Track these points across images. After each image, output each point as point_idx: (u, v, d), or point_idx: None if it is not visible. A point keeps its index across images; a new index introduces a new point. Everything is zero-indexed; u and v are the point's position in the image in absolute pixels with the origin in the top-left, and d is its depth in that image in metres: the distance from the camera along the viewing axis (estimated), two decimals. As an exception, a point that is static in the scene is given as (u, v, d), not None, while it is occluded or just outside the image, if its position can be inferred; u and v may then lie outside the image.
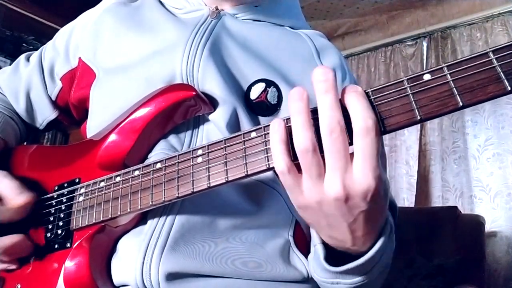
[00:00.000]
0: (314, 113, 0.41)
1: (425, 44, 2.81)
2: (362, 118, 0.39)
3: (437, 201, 2.50)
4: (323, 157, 0.41)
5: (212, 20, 0.70)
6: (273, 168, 0.45)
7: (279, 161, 0.41)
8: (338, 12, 2.87)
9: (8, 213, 0.59)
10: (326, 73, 0.40)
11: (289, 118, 0.44)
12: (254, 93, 0.64)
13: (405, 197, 2.61)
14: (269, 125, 0.46)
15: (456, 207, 1.78)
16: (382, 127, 0.41)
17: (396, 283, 1.55)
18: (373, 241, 0.47)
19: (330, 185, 0.40)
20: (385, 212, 0.46)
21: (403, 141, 2.70)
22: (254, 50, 0.68)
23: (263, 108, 0.64)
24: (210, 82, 0.62)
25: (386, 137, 2.73)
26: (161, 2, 0.77)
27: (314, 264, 0.54)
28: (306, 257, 0.62)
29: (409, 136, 2.69)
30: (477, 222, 1.68)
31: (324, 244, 0.51)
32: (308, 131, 0.40)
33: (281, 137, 0.42)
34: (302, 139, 0.40)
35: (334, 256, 0.50)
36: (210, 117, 0.62)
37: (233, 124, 0.61)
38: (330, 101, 0.39)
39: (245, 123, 0.61)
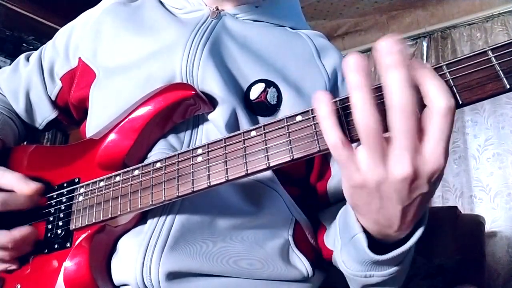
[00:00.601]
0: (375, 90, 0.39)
1: (425, 44, 2.81)
2: (445, 97, 0.36)
3: (437, 201, 2.50)
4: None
5: (212, 20, 0.70)
6: (273, 167, 0.45)
7: (331, 134, 0.39)
8: (338, 12, 2.87)
9: (21, 200, 0.60)
10: (396, 45, 0.36)
11: (296, 115, 0.43)
12: (254, 93, 0.64)
13: (405, 197, 2.61)
14: (268, 124, 0.46)
15: (456, 207, 1.77)
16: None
17: (396, 283, 1.55)
18: (413, 226, 0.45)
19: (397, 165, 0.37)
20: (432, 196, 0.44)
21: (403, 141, 2.70)
22: (254, 51, 0.68)
23: (262, 108, 0.64)
24: (209, 82, 0.62)
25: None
26: (161, 2, 0.77)
27: (347, 256, 0.52)
28: (307, 257, 0.62)
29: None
30: (477, 222, 1.68)
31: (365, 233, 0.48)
32: (371, 109, 0.36)
33: (330, 110, 0.39)
34: (365, 118, 0.36)
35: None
36: (209, 116, 0.62)
37: (232, 124, 0.61)
38: (402, 77, 0.35)
39: (244, 123, 0.61)
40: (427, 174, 0.38)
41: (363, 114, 0.36)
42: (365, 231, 0.47)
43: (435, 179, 0.38)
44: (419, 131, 0.37)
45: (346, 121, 0.41)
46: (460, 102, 0.38)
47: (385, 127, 0.37)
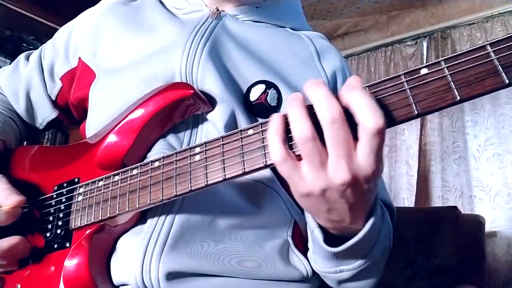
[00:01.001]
0: (310, 108, 0.42)
1: (425, 44, 2.80)
2: (372, 118, 0.38)
3: (437, 201, 2.50)
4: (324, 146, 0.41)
5: (212, 21, 0.70)
6: (270, 165, 0.45)
7: (275, 150, 0.42)
8: (338, 12, 2.87)
9: (1, 217, 0.59)
10: (317, 81, 0.41)
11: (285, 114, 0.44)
12: (254, 95, 0.64)
13: (405, 197, 2.61)
14: (266, 122, 0.46)
15: (456, 207, 1.77)
16: None
17: (396, 283, 1.55)
18: (366, 218, 0.48)
19: (336, 172, 0.40)
20: (376, 188, 0.47)
21: (403, 141, 2.70)
22: (254, 52, 0.68)
23: (262, 110, 0.64)
24: (209, 82, 0.62)
25: (386, 137, 2.71)
26: (161, 2, 0.77)
27: (315, 255, 0.54)
28: (306, 257, 0.62)
29: (409, 136, 2.68)
30: (477, 222, 1.68)
31: (322, 229, 0.51)
32: (306, 120, 0.40)
33: (277, 127, 0.42)
34: (301, 128, 0.40)
35: (332, 242, 0.51)
36: (209, 116, 0.62)
37: (231, 125, 0.61)
38: (325, 93, 0.40)
39: (243, 124, 0.61)
40: (364, 177, 0.41)
41: (298, 125, 0.40)
42: (321, 227, 0.51)
43: (373, 179, 0.41)
44: (352, 141, 0.40)
45: (291, 137, 0.43)
46: (459, 98, 0.38)
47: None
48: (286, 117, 0.43)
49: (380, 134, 0.38)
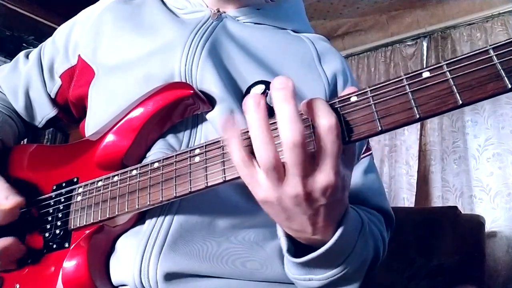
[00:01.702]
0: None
1: (425, 44, 2.80)
2: (324, 118, 0.39)
3: (437, 201, 2.50)
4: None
5: (213, 22, 0.70)
6: None
7: (235, 154, 0.42)
8: (338, 12, 2.87)
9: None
10: (286, 82, 0.40)
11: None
12: None
13: (405, 197, 2.61)
14: None
15: (456, 207, 1.77)
16: (381, 126, 0.40)
17: (396, 283, 1.55)
18: (335, 230, 0.47)
19: (289, 187, 0.41)
20: (344, 203, 0.47)
21: (403, 141, 2.69)
22: (254, 53, 0.68)
23: None
24: (208, 82, 0.62)
25: (386, 137, 2.73)
26: (162, 1, 0.77)
27: (286, 261, 0.54)
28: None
29: (409, 136, 2.69)
30: (477, 222, 1.67)
31: (290, 238, 0.51)
32: (267, 140, 0.40)
33: (236, 132, 0.42)
34: (263, 148, 0.40)
35: (303, 250, 0.50)
36: (208, 116, 0.61)
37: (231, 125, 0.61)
38: (290, 112, 0.39)
39: (243, 125, 0.61)
40: (319, 190, 0.41)
41: (260, 147, 0.40)
42: (288, 235, 0.50)
43: (330, 192, 0.41)
44: (309, 160, 0.39)
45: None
46: (461, 102, 0.38)
47: None
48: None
49: (331, 132, 0.38)
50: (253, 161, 0.42)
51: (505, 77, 0.37)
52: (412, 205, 2.54)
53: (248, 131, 0.42)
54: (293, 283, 0.60)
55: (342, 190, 0.43)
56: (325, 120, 0.39)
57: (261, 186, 0.42)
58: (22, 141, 0.84)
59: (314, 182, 0.40)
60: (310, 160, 0.40)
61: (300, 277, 0.52)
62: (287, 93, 0.39)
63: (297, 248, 0.51)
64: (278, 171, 0.40)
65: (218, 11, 0.72)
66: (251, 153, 0.42)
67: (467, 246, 1.59)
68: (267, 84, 0.64)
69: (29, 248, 0.61)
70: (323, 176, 0.40)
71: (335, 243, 0.47)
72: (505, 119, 2.36)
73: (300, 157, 0.39)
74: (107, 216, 0.55)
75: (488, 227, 2.19)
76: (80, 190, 0.60)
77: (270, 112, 0.63)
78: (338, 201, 0.44)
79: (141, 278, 0.53)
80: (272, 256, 0.60)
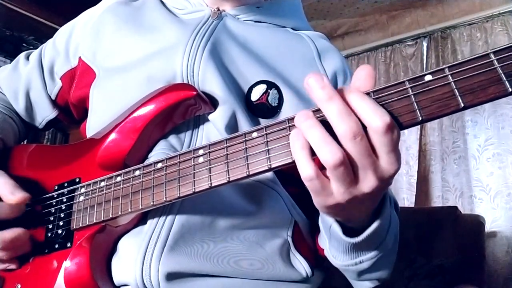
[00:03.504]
0: (317, 112, 0.41)
1: (425, 44, 2.80)
2: (377, 117, 0.38)
3: (437, 201, 2.50)
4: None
5: (213, 21, 0.70)
6: (274, 168, 0.45)
7: (306, 167, 0.41)
8: (338, 12, 2.87)
9: (6, 211, 0.59)
10: (320, 80, 0.40)
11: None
12: (255, 95, 0.64)
13: (405, 197, 2.61)
14: (270, 126, 0.46)
15: (456, 207, 1.77)
16: None
17: (396, 283, 1.55)
18: (378, 207, 0.49)
19: (365, 184, 0.41)
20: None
21: (403, 141, 2.70)
22: (255, 52, 0.68)
23: (263, 110, 0.64)
24: (210, 83, 0.62)
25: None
26: (162, 2, 0.77)
27: (333, 250, 0.55)
28: (306, 258, 0.62)
29: (409, 136, 2.69)
30: (477, 222, 1.68)
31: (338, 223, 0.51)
32: (332, 144, 0.39)
33: (303, 143, 0.41)
34: (331, 153, 0.39)
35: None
36: (210, 117, 0.62)
37: (232, 126, 0.61)
38: (339, 108, 0.39)
39: (244, 125, 0.61)
40: (387, 178, 0.41)
41: (327, 151, 0.39)
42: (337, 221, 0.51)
43: (393, 177, 0.42)
44: (371, 148, 0.40)
45: None
46: (462, 105, 0.38)
47: None
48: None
49: (390, 131, 0.38)
50: (321, 172, 0.41)
51: (506, 81, 0.37)
52: (412, 205, 2.54)
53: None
54: (293, 281, 0.61)
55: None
56: (377, 122, 0.38)
57: (331, 195, 0.42)
58: (22, 142, 0.84)
59: (382, 172, 0.41)
60: (369, 147, 0.40)
61: (350, 262, 0.53)
62: (330, 90, 0.39)
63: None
64: (350, 174, 0.40)
65: (218, 9, 0.72)
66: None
67: (467, 246, 1.59)
68: (268, 83, 0.64)
69: (34, 242, 0.61)
70: (392, 167, 0.40)
71: (384, 217, 0.49)
72: (505, 119, 2.37)
73: (362, 146, 0.39)
74: (110, 216, 0.55)
75: (488, 227, 2.19)
76: (83, 190, 0.60)
77: (272, 112, 0.64)
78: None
79: (142, 278, 0.53)
80: (272, 255, 0.60)
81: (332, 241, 0.54)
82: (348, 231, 0.51)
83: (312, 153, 0.41)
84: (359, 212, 0.47)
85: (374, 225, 0.49)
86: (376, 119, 0.38)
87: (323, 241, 0.60)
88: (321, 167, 0.41)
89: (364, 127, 0.39)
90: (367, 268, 0.54)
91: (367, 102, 0.39)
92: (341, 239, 0.51)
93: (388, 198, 0.51)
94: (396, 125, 0.40)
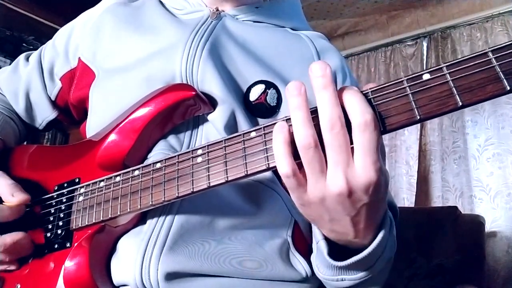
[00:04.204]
0: (313, 112, 0.41)
1: (425, 44, 2.80)
2: (360, 113, 0.39)
3: (437, 201, 2.50)
4: (325, 154, 0.41)
5: (212, 21, 0.70)
6: (272, 168, 0.45)
7: (283, 163, 0.41)
8: (338, 12, 2.87)
9: (6, 212, 0.59)
10: (323, 68, 0.40)
11: (290, 118, 0.43)
12: (254, 95, 0.64)
13: (405, 197, 2.61)
14: (269, 125, 0.46)
15: (456, 207, 1.77)
16: (382, 127, 0.41)
17: (396, 283, 1.55)
18: (374, 233, 0.48)
19: (332, 181, 0.40)
20: (385, 203, 0.47)
21: (403, 141, 2.70)
22: (254, 52, 0.68)
23: (262, 110, 0.64)
24: (209, 83, 0.62)
25: (386, 137, 2.73)
26: (161, 3, 0.77)
27: (318, 262, 0.54)
28: (305, 258, 0.62)
29: (409, 136, 2.69)
30: (477, 222, 1.68)
31: (327, 240, 0.51)
32: (308, 127, 0.40)
33: (284, 138, 0.41)
34: (303, 135, 0.40)
35: (337, 251, 0.51)
36: (209, 117, 0.62)
37: (231, 126, 0.61)
38: (329, 97, 0.39)
39: (243, 125, 0.61)
40: (361, 187, 0.40)
41: (301, 132, 0.40)
42: (326, 238, 0.50)
43: (372, 190, 0.40)
44: (351, 148, 0.39)
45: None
46: (461, 104, 0.38)
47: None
48: (289, 122, 0.43)
49: (368, 130, 0.38)
50: (298, 168, 0.41)
51: (504, 79, 0.37)
52: (412, 205, 2.54)
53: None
54: (292, 281, 0.61)
55: (385, 187, 0.42)
56: (358, 117, 0.39)
57: (306, 190, 0.42)
58: (23, 142, 0.84)
59: (355, 178, 0.40)
60: (349, 146, 0.39)
61: (332, 278, 0.52)
62: (327, 80, 0.40)
63: (330, 248, 0.51)
64: (320, 160, 0.40)
65: (217, 10, 0.72)
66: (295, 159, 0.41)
67: (467, 246, 1.59)
68: (266, 83, 0.64)
69: (32, 250, 0.61)
70: (365, 173, 0.39)
71: (376, 247, 0.47)
72: (505, 119, 2.37)
73: (341, 139, 0.39)
74: (109, 216, 0.55)
75: (488, 227, 2.19)
76: (82, 190, 0.60)
77: (271, 112, 0.64)
78: (380, 200, 0.44)
79: (142, 278, 0.53)
80: (272, 255, 0.60)
81: (317, 253, 0.54)
82: (337, 247, 0.50)
83: (295, 153, 0.41)
84: (341, 228, 0.45)
85: (362, 254, 0.47)
86: (357, 114, 0.39)
87: (313, 248, 0.60)
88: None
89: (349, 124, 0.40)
90: (348, 286, 0.53)
91: (356, 97, 0.39)
92: (324, 257, 0.50)
93: (388, 223, 0.49)
94: (378, 127, 0.39)
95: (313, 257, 0.57)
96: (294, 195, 0.44)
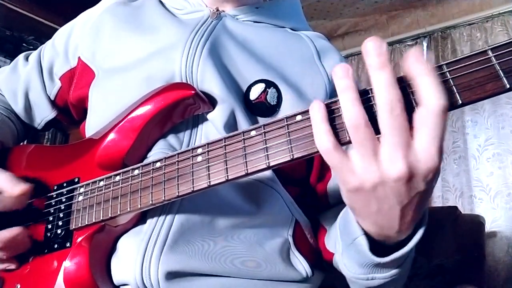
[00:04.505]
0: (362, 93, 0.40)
1: (425, 44, 2.80)
2: (439, 96, 0.36)
3: (437, 201, 2.50)
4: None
5: (212, 21, 0.70)
6: (273, 166, 0.45)
7: (323, 139, 0.39)
8: (338, 12, 2.87)
9: (8, 201, 0.59)
10: (379, 47, 0.38)
11: (296, 115, 0.43)
12: (254, 94, 0.64)
13: (405, 197, 2.61)
14: (268, 124, 0.46)
15: (456, 207, 1.77)
16: None
17: (396, 283, 1.55)
18: (413, 228, 0.45)
19: (391, 164, 0.37)
20: (430, 195, 0.43)
21: (403, 141, 2.70)
22: (254, 51, 0.68)
23: (262, 109, 0.64)
24: (209, 82, 0.62)
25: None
26: (161, 2, 0.77)
27: (348, 260, 0.52)
28: (306, 257, 0.62)
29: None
30: (477, 222, 1.68)
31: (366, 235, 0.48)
32: (358, 105, 0.38)
33: (322, 115, 0.40)
34: (353, 114, 0.38)
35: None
36: (209, 116, 0.62)
37: (231, 125, 0.61)
38: (388, 78, 0.37)
39: (243, 124, 0.61)
40: (422, 172, 0.37)
41: (351, 112, 0.38)
42: (365, 233, 0.47)
43: (431, 177, 0.38)
44: (410, 129, 0.37)
45: (334, 125, 0.41)
46: (460, 102, 0.38)
47: (377, 131, 0.38)
48: (328, 105, 0.42)
49: (445, 114, 0.36)
50: (343, 148, 0.40)
51: (504, 77, 0.37)
52: (412, 205, 2.54)
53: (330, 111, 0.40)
54: (293, 281, 0.61)
55: (438, 176, 0.39)
56: (437, 101, 0.36)
57: (354, 171, 0.39)
58: (21, 143, 0.84)
59: (418, 162, 0.37)
60: (410, 131, 0.37)
61: (362, 276, 0.51)
62: (385, 60, 0.38)
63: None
64: (373, 141, 0.38)
65: (217, 10, 0.72)
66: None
67: (467, 246, 1.59)
68: (267, 82, 0.64)
69: (32, 241, 0.61)
70: (430, 157, 0.37)
71: (414, 241, 0.45)
72: (505, 119, 2.37)
73: (402, 122, 0.37)
74: (109, 215, 0.55)
75: (488, 227, 2.19)
76: (82, 190, 0.60)
77: (271, 111, 0.64)
78: (431, 191, 0.41)
79: (142, 278, 0.53)
80: (272, 254, 0.60)
81: (350, 251, 0.51)
82: (373, 245, 0.47)
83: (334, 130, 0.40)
84: (387, 220, 0.42)
85: (406, 248, 0.45)
86: (435, 97, 0.36)
87: (334, 245, 0.59)
88: None
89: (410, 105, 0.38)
90: (376, 285, 0.51)
91: (432, 78, 0.37)
92: (365, 254, 0.47)
93: (424, 222, 0.47)
94: (447, 113, 0.37)
95: (339, 257, 0.55)
96: (340, 178, 0.41)
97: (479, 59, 0.38)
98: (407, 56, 0.38)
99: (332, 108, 0.42)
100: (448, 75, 0.39)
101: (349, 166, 0.39)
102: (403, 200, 0.40)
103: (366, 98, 0.40)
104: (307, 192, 0.71)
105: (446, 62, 0.39)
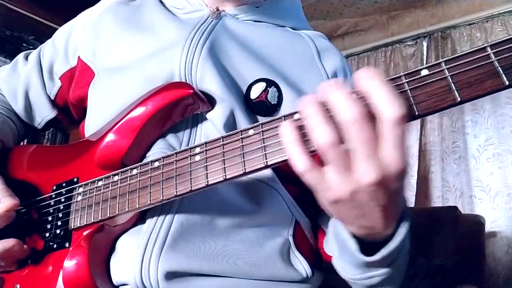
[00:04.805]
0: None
1: (425, 44, 2.80)
2: (392, 108, 0.37)
3: (437, 201, 2.50)
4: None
5: (212, 21, 0.70)
6: (271, 165, 0.45)
7: (299, 161, 0.40)
8: (338, 12, 2.87)
9: None
10: (335, 82, 0.40)
11: (294, 113, 0.44)
12: (255, 93, 0.64)
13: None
14: (266, 123, 0.46)
15: (456, 207, 1.77)
16: None
17: (396, 283, 1.55)
18: (397, 222, 0.47)
19: (364, 174, 0.39)
20: (405, 187, 0.45)
21: (403, 141, 2.69)
22: (254, 50, 0.68)
23: (263, 108, 0.64)
24: (208, 82, 0.62)
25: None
26: (161, 2, 0.77)
27: (344, 263, 0.53)
28: (306, 258, 0.62)
29: (409, 136, 2.68)
30: (477, 222, 1.68)
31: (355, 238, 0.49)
32: (327, 125, 0.39)
33: (295, 137, 0.41)
34: (324, 134, 0.38)
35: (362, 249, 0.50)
36: (208, 116, 0.62)
37: (231, 124, 0.61)
38: (345, 94, 0.38)
39: (243, 123, 0.61)
40: (393, 174, 0.39)
41: (321, 133, 0.39)
42: (355, 236, 0.49)
43: (402, 176, 0.40)
44: (376, 138, 0.38)
45: (305, 134, 0.42)
46: (459, 99, 0.38)
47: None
48: (295, 121, 0.42)
49: (401, 124, 0.37)
50: (316, 163, 0.41)
51: (503, 74, 0.37)
52: (412, 205, 2.54)
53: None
54: (293, 282, 0.61)
55: (408, 172, 0.41)
56: (391, 113, 0.37)
57: (330, 186, 0.41)
58: (22, 142, 0.84)
59: (388, 167, 0.38)
60: (375, 136, 0.38)
61: (360, 276, 0.52)
62: (338, 82, 0.40)
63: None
64: (343, 155, 0.39)
65: (217, 9, 0.72)
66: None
67: (467, 246, 1.59)
68: (267, 81, 0.64)
69: (30, 248, 0.61)
70: (398, 162, 0.38)
71: (404, 236, 0.47)
72: (505, 119, 2.37)
73: (365, 132, 0.37)
74: (108, 215, 0.55)
75: (488, 227, 2.19)
76: (80, 190, 0.60)
77: (271, 110, 0.64)
78: (404, 185, 0.43)
79: (142, 277, 0.53)
80: (273, 255, 0.60)
81: (343, 254, 0.52)
82: (361, 244, 0.49)
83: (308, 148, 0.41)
84: (370, 222, 0.44)
85: (394, 243, 0.47)
86: (388, 109, 0.37)
87: (331, 249, 0.59)
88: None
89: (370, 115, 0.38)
90: (376, 283, 0.52)
91: (384, 90, 0.38)
92: (355, 256, 0.49)
93: (407, 216, 0.49)
94: (405, 120, 0.38)
95: (336, 260, 0.56)
96: (318, 193, 0.43)
97: (478, 56, 0.38)
98: (358, 75, 0.40)
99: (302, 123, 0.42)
100: (447, 72, 0.39)
101: (326, 183, 0.41)
102: (380, 201, 0.41)
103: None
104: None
105: (444, 59, 0.39)
